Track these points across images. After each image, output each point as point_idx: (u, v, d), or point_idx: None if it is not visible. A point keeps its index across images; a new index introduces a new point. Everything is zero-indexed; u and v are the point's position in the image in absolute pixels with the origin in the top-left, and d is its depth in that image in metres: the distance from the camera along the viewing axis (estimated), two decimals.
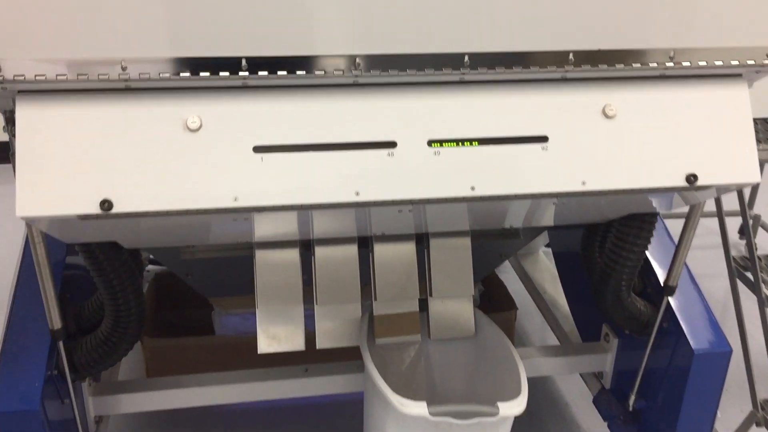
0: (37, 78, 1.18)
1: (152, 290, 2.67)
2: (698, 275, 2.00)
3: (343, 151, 1.32)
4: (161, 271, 2.76)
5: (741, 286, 2.53)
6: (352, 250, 1.84)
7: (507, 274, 3.05)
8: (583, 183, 1.37)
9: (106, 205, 1.22)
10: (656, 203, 1.62)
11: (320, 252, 1.83)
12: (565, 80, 1.39)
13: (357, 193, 1.31)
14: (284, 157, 1.30)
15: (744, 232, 3.02)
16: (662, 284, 1.87)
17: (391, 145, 1.33)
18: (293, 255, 1.84)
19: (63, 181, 1.22)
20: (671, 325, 1.88)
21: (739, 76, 1.43)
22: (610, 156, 1.38)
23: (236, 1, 1.21)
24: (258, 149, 1.29)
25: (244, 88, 1.30)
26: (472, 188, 1.34)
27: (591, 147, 1.38)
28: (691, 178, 1.38)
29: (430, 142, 1.34)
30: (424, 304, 1.94)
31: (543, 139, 1.37)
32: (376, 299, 1.88)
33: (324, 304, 1.86)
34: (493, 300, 2.74)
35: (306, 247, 1.85)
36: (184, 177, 1.26)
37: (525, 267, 2.98)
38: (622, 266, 1.81)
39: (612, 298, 1.88)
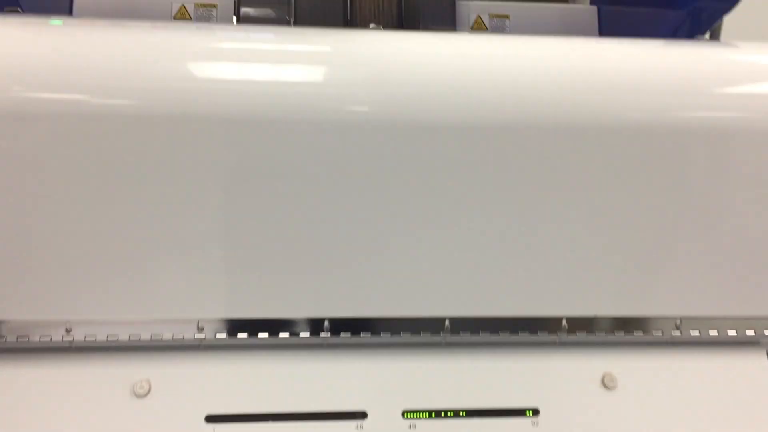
0: None
1: None
2: None
3: (305, 422, 1.18)
4: None
5: None
6: None
7: None
8: None
9: None
10: None
11: None
12: (558, 344, 1.25)
13: None
14: (239, 428, 1.16)
15: None
16: None
17: (361, 416, 1.19)
18: None
19: None
20: None
21: (756, 343, 1.28)
22: None
23: (190, 264, 1.11)
24: (211, 419, 1.16)
25: (200, 347, 1.18)
26: None
27: (588, 423, 1.22)
28: None
29: (404, 413, 1.20)
30: None
31: (534, 412, 1.22)
32: None
33: None
34: None
35: None
36: None
37: None
38: None
39: None
